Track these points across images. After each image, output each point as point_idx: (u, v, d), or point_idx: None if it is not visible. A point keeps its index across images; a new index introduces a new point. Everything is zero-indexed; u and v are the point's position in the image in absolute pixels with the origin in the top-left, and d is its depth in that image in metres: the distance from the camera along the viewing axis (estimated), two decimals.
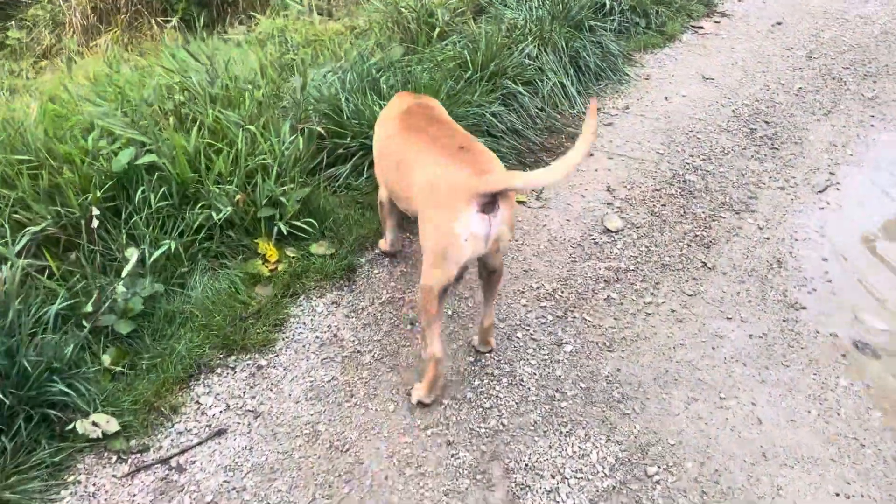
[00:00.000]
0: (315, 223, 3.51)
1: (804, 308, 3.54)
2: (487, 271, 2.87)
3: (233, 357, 2.99)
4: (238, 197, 3.34)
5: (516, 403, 2.90)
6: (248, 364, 2.97)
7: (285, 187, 3.46)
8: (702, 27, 6.71)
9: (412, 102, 3.20)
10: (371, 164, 4.07)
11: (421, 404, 2.84)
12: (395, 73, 4.66)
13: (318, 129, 3.94)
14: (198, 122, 3.67)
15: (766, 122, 5.16)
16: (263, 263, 3.36)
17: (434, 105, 3.33)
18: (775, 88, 5.65)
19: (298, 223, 3.45)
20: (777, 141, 4.95)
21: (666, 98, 5.39)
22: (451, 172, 2.54)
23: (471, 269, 3.07)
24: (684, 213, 4.19)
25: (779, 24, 6.91)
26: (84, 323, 2.83)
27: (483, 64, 4.88)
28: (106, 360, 2.77)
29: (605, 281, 3.62)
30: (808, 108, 5.39)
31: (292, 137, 3.65)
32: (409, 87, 4.49)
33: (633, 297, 3.53)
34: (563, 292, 3.52)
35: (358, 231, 3.68)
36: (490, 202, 2.49)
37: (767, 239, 4.01)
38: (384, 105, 4.24)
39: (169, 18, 7.19)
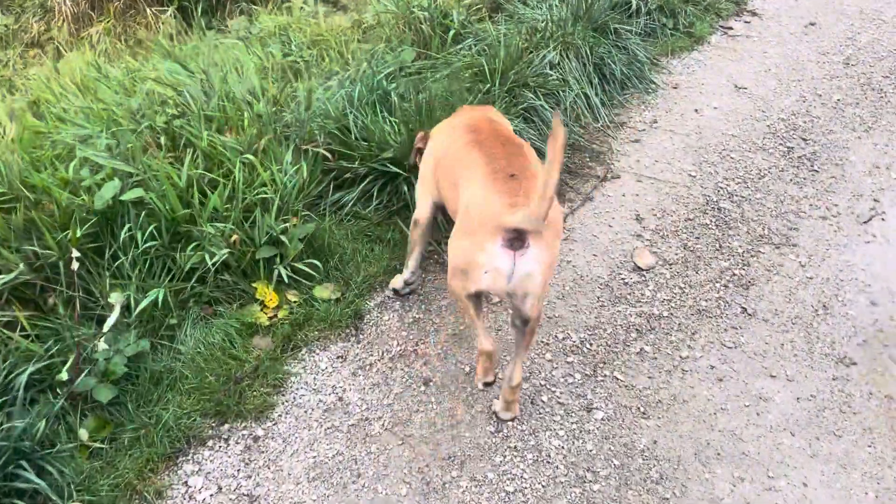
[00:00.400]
0: (319, 264, 3.17)
1: (854, 364, 3.22)
2: (520, 319, 2.55)
3: (226, 426, 2.68)
4: (234, 237, 3.00)
5: (543, 486, 2.59)
6: (243, 435, 2.66)
7: (287, 224, 3.12)
8: (731, 28, 6.31)
9: (479, 116, 2.97)
10: (381, 190, 3.75)
11: (487, 385, 2.74)
12: (408, 84, 4.30)
13: (323, 151, 3.58)
14: (192, 148, 3.31)
15: (804, 140, 4.80)
16: (262, 310, 3.04)
17: (499, 119, 3.09)
18: (812, 100, 5.28)
19: (301, 265, 3.11)
20: (816, 161, 4.59)
21: (696, 110, 5.02)
22: (487, 199, 2.38)
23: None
24: (720, 247, 3.85)
25: (812, 24, 6.50)
26: (59, 391, 2.51)
27: (502, 73, 4.51)
28: (83, 434, 2.46)
29: (636, 330, 3.30)
30: (848, 123, 5.02)
31: (296, 167, 3.30)
32: (423, 99, 4.13)
33: (669, 350, 3.21)
34: (591, 344, 3.20)
35: (366, 269, 3.35)
36: (517, 238, 2.26)
37: (811, 279, 3.68)
38: (395, 123, 3.91)
39: (165, 7, 6.78)
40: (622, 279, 3.59)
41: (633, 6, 5.65)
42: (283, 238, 3.08)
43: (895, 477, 2.75)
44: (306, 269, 3.12)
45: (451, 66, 4.61)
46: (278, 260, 3.11)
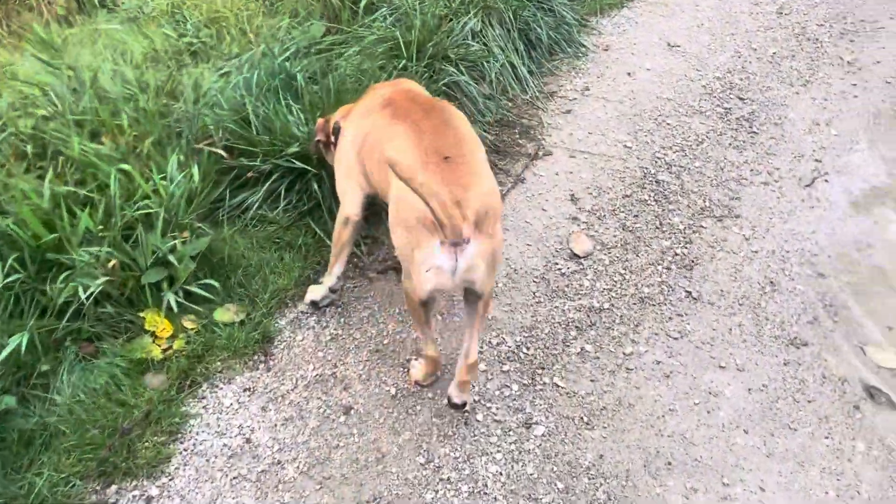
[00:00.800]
0: (217, 284, 2.80)
1: (805, 345, 3.04)
2: (474, 295, 2.37)
3: (113, 487, 2.32)
4: (112, 263, 2.60)
5: None
6: (133, 497, 2.31)
7: (176, 241, 2.73)
8: None
9: (392, 89, 2.75)
10: (289, 188, 3.37)
11: (418, 384, 2.71)
12: (312, 65, 3.88)
13: (219, 151, 3.18)
14: (63, 158, 2.87)
15: (741, 99, 4.57)
16: (154, 342, 2.66)
17: (413, 87, 2.85)
18: (747, 55, 5.05)
19: (195, 288, 2.74)
20: (755, 122, 4.37)
21: (629, 74, 4.74)
22: None
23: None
24: (660, 224, 3.61)
25: None
26: None
27: (419, 45, 4.13)
28: None
29: (576, 328, 3.03)
30: (785, 77, 4.82)
31: (184, 172, 2.89)
32: (331, 81, 3.74)
33: (611, 347, 2.96)
34: (528, 348, 2.93)
35: (276, 283, 2.99)
36: None
37: (756, 252, 3.47)
38: (300, 111, 3.52)
39: None
40: (559, 269, 3.31)
41: None
42: (171, 258, 2.68)
43: (854, 470, 2.57)
44: (201, 291, 2.74)
45: (364, 41, 4.21)
46: (168, 284, 2.72)
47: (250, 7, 4.86)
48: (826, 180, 3.95)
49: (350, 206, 2.69)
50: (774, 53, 5.07)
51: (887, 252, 3.45)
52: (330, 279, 2.86)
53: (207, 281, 2.76)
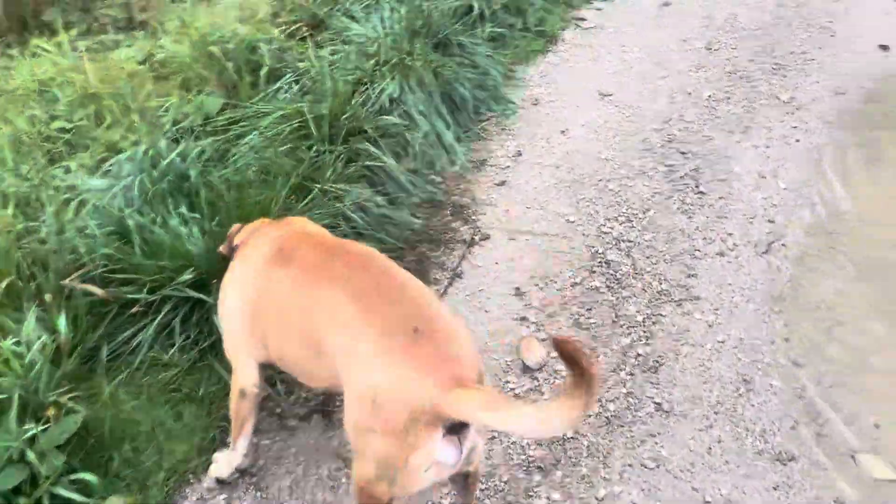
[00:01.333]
0: (96, 479, 2.23)
1: (792, 459, 2.69)
2: (461, 475, 2.02)
3: None
4: None
5: None
6: None
7: (37, 429, 2.15)
8: (584, 18, 5.71)
9: (288, 233, 2.21)
10: (186, 320, 2.82)
11: None
12: (209, 146, 3.35)
13: (93, 289, 2.61)
14: None
15: (683, 154, 4.27)
16: None
17: (316, 229, 2.35)
18: (682, 100, 4.77)
19: (64, 490, 2.16)
20: (701, 180, 4.07)
21: (563, 132, 4.37)
22: (405, 383, 1.71)
23: None
24: (616, 316, 3.23)
25: (666, 4, 6.03)
26: None
27: (332, 119, 3.65)
28: None
29: (538, 468, 2.60)
30: (724, 124, 4.55)
31: (42, 339, 2.31)
32: (232, 173, 3.22)
33: (582, 490, 2.54)
34: None
35: (173, 453, 2.44)
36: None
37: (723, 343, 3.13)
38: (197, 219, 2.98)
39: None
40: (511, 388, 2.88)
41: (476, 10, 4.89)
42: (30, 456, 2.10)
43: None
44: (73, 495, 2.16)
45: (267, 119, 3.69)
46: (31, 486, 2.14)
47: (134, 79, 4.27)
48: (783, 244, 3.66)
49: (245, 377, 2.16)
50: (710, 96, 4.81)
51: (856, 325, 3.17)
52: (235, 456, 2.33)
53: (82, 475, 2.19)
